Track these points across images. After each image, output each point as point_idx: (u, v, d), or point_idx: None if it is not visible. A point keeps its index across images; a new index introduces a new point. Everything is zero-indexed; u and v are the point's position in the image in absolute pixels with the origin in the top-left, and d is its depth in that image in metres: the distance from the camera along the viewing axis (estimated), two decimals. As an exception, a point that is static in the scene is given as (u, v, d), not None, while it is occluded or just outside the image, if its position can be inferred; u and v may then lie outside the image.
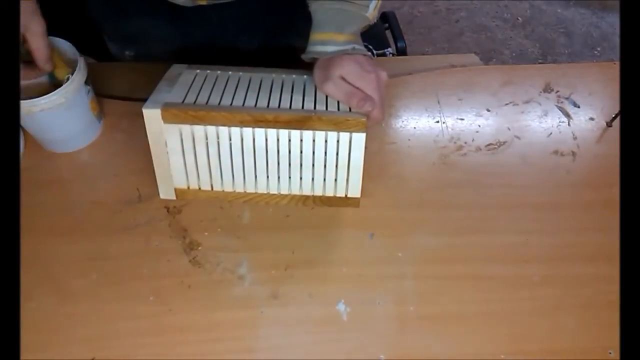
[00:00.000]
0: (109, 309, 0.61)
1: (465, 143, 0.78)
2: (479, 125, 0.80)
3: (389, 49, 1.23)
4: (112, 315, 0.60)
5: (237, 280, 0.63)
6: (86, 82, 0.70)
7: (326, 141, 0.63)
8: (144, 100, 0.62)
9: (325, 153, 0.63)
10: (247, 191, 0.68)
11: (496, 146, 0.78)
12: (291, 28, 0.77)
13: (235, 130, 0.62)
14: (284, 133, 0.62)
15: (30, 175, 0.71)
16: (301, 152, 0.63)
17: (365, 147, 0.63)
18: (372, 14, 0.68)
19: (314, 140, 0.63)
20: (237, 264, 0.64)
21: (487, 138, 0.79)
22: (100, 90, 0.75)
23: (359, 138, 0.62)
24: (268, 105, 0.62)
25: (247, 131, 0.62)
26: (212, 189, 0.68)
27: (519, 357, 0.59)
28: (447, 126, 0.80)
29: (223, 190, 0.68)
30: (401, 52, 1.23)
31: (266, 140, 0.63)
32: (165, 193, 0.68)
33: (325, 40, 0.65)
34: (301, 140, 0.62)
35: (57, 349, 0.58)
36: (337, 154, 0.63)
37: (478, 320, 0.61)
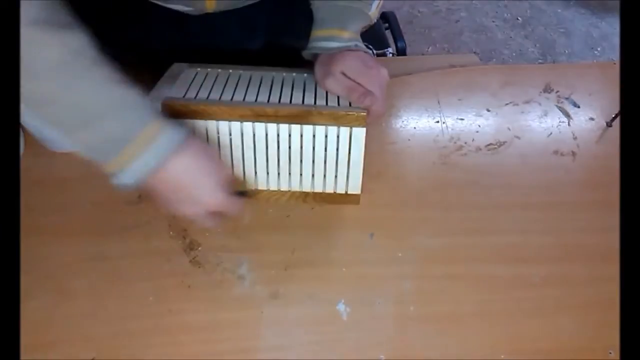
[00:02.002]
0: (109, 309, 0.61)
1: (465, 143, 0.78)
2: (479, 125, 0.80)
3: (389, 49, 1.23)
4: (112, 315, 0.60)
5: (237, 280, 0.63)
6: (86, 82, 0.70)
7: (326, 136, 0.63)
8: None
9: (326, 148, 0.64)
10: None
11: (496, 146, 0.78)
12: (292, 27, 0.77)
13: (236, 125, 0.62)
14: (284, 128, 0.62)
15: (30, 175, 0.71)
16: (301, 147, 0.63)
17: (365, 146, 0.63)
18: (374, 13, 0.68)
19: (314, 136, 0.63)
20: (237, 264, 0.64)
21: (487, 138, 0.79)
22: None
23: (359, 133, 0.62)
24: (268, 101, 0.63)
25: (248, 126, 0.62)
26: None
27: (519, 357, 0.59)
28: (447, 126, 0.80)
29: None
30: (401, 52, 1.23)
31: (266, 135, 0.63)
32: None
33: (328, 36, 0.65)
34: (301, 136, 0.63)
35: (57, 349, 0.58)
36: (337, 149, 0.64)
37: (478, 320, 0.61)
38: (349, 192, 0.68)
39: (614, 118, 0.81)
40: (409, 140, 0.78)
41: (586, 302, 0.63)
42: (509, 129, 0.80)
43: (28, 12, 0.45)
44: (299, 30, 0.70)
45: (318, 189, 0.68)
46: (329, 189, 0.68)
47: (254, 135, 0.63)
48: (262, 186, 0.67)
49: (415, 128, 0.79)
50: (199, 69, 0.68)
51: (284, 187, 0.68)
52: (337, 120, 0.61)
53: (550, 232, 0.69)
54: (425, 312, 0.62)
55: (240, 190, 0.62)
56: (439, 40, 2.14)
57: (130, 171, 0.51)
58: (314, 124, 0.62)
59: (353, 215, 0.69)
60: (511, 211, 0.71)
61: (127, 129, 0.50)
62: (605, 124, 0.81)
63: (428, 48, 2.12)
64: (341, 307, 0.62)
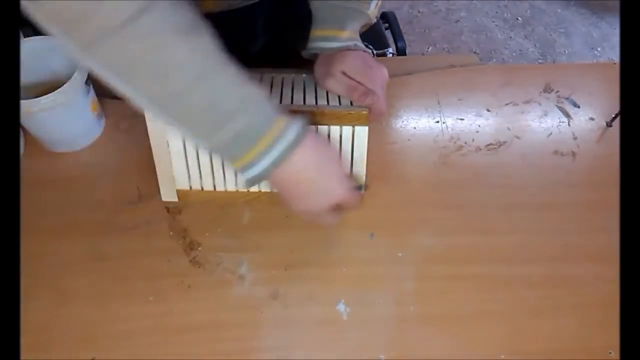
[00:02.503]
0: (109, 309, 0.61)
1: (465, 143, 0.78)
2: (479, 125, 0.80)
3: (389, 49, 1.24)
4: (112, 315, 0.60)
5: (237, 280, 0.63)
6: (86, 82, 0.70)
7: (329, 136, 0.63)
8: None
9: None
10: (250, 190, 0.68)
11: (496, 146, 0.78)
12: (291, 27, 0.77)
13: None
14: None
15: (30, 175, 0.71)
16: None
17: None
18: (373, 12, 0.68)
19: None
20: (237, 264, 0.64)
21: (487, 138, 0.79)
22: (100, 90, 0.75)
23: (362, 131, 0.62)
24: None
25: None
26: (214, 189, 0.67)
27: (519, 357, 0.59)
28: (447, 126, 0.80)
29: (226, 190, 0.68)
30: (401, 52, 1.23)
31: None
32: (167, 195, 0.68)
33: (327, 36, 0.65)
34: None
35: (57, 349, 0.58)
36: (340, 148, 0.64)
37: (478, 320, 0.61)
38: None
39: (614, 118, 0.81)
40: (409, 140, 0.78)
41: (586, 302, 0.63)
42: (509, 129, 0.80)
43: (155, 17, 0.44)
44: (299, 30, 0.70)
45: None
46: None
47: None
48: (265, 188, 0.67)
49: (415, 128, 0.79)
50: None
51: None
52: (340, 119, 0.61)
53: (550, 232, 0.69)
54: (425, 312, 0.62)
55: (356, 185, 0.61)
56: (439, 40, 2.14)
57: (259, 166, 0.51)
58: (317, 125, 0.62)
59: (353, 215, 0.69)
60: (511, 211, 0.71)
61: (257, 126, 0.50)
62: (605, 124, 0.81)
63: (428, 48, 2.12)
64: (341, 307, 0.62)
